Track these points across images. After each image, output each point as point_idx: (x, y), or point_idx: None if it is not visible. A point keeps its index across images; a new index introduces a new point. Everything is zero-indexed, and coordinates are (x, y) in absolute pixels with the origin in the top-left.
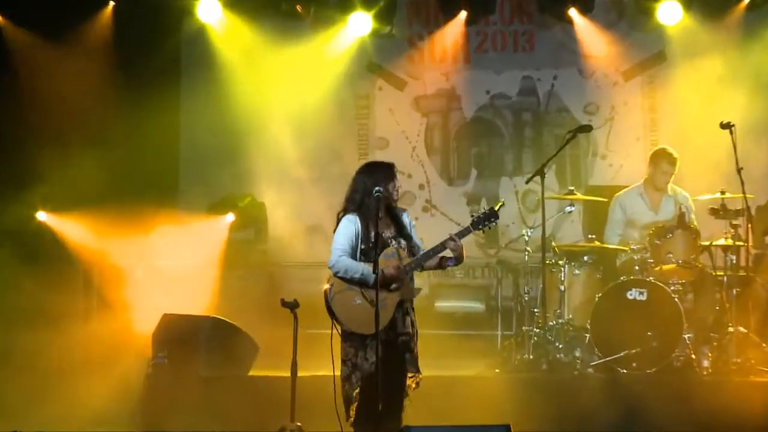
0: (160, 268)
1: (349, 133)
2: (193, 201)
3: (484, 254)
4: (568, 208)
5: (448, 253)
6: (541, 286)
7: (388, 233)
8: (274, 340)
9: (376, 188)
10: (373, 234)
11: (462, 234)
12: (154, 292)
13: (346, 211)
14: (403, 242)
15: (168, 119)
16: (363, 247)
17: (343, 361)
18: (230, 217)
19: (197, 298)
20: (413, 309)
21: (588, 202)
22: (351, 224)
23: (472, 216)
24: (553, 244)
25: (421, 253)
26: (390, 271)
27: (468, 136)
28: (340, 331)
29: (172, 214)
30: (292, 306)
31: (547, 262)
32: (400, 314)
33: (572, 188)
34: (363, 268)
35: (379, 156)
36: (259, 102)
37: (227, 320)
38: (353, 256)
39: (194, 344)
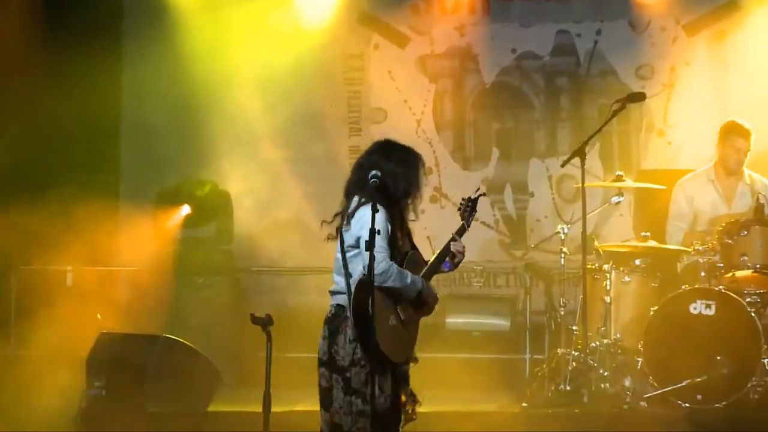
0: (96, 273)
1: (336, 102)
2: (139, 188)
3: (508, 257)
4: (616, 199)
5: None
6: (581, 297)
7: (403, 237)
8: (242, 366)
9: (373, 172)
10: (400, 238)
11: (460, 232)
12: (88, 303)
13: (371, 198)
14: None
15: (107, 85)
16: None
17: (356, 392)
18: (185, 210)
19: (143, 312)
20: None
21: (641, 190)
22: (387, 224)
23: (460, 206)
24: (597, 243)
25: (432, 260)
26: (433, 291)
27: (488, 106)
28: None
29: (112, 204)
30: (265, 323)
31: (589, 266)
32: None
33: (621, 173)
34: (411, 276)
35: (377, 131)
36: (221, 63)
37: (181, 341)
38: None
39: (139, 371)
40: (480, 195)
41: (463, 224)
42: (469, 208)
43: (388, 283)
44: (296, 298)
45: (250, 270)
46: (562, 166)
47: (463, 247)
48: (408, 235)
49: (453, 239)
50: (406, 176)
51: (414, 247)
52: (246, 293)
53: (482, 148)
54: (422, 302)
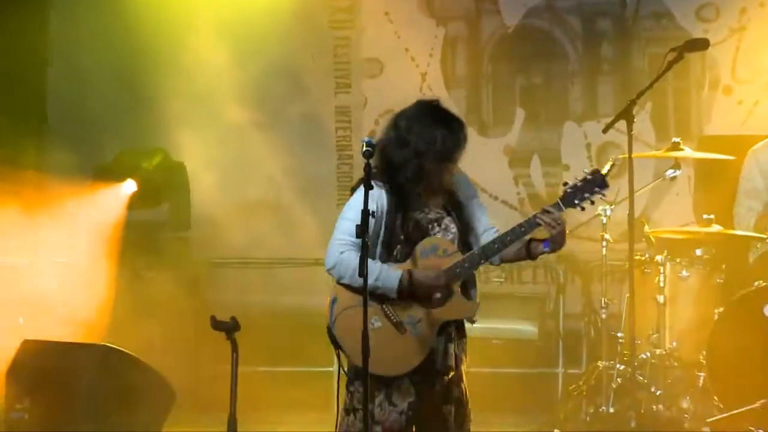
0: (17, 266)
1: (319, 52)
2: (70, 159)
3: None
4: (671, 173)
5: (537, 234)
6: (628, 296)
7: (430, 211)
8: (201, 382)
9: (366, 139)
10: (409, 219)
11: (555, 207)
12: (7, 304)
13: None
14: (452, 226)
15: (31, 30)
16: (385, 238)
17: (346, 411)
18: (130, 186)
19: (78, 315)
20: (462, 335)
21: (703, 162)
22: (367, 199)
23: (566, 186)
24: (647, 229)
25: (490, 241)
26: (422, 277)
27: (511, 56)
28: (345, 369)
29: (37, 179)
30: (230, 328)
31: (637, 257)
32: (441, 343)
33: (677, 140)
34: (380, 270)
35: (371, 87)
36: (176, 3)
37: (125, 351)
38: (371, 253)
39: (73, 388)
40: (612, 166)
41: (557, 202)
42: (583, 184)
43: (345, 281)
44: (270, 298)
45: (212, 262)
46: (605, 131)
47: (563, 222)
48: (452, 200)
49: (546, 211)
50: (413, 161)
51: (465, 218)
52: (206, 291)
53: (503, 110)
54: (419, 299)
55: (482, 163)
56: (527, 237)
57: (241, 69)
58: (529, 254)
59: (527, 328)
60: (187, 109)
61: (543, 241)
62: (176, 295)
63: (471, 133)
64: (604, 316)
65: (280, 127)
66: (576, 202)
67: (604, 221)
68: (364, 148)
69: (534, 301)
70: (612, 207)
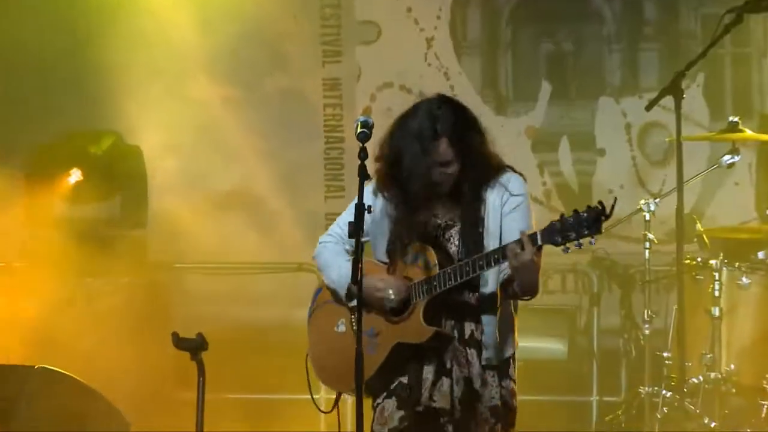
0: None
1: (304, 14)
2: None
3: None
4: (729, 159)
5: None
6: (676, 308)
7: (442, 216)
8: (161, 410)
9: (362, 119)
10: (417, 223)
11: (536, 239)
12: None
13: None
14: (456, 239)
15: None
16: (392, 245)
17: None
18: (74, 176)
19: (11, 330)
20: (464, 360)
21: (767, 146)
22: (362, 192)
23: (561, 219)
24: (699, 227)
25: (464, 262)
26: (375, 285)
27: (535, 18)
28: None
29: None
30: (195, 347)
31: (688, 261)
32: (430, 374)
33: (736, 120)
34: (340, 268)
35: (366, 55)
36: None
37: (69, 374)
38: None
39: (8, 417)
40: (614, 204)
41: (545, 229)
42: (578, 220)
43: (321, 273)
44: (244, 311)
45: (174, 267)
46: (648, 109)
47: (531, 262)
48: (468, 206)
49: (518, 242)
50: (407, 154)
51: (475, 227)
52: (167, 302)
53: (526, 82)
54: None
55: (500, 147)
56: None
57: (209, 34)
58: (504, 288)
59: (554, 347)
60: (143, 83)
61: (515, 281)
62: (130, 307)
63: (486, 112)
64: (647, 332)
65: (255, 104)
66: (557, 239)
67: (648, 218)
68: (359, 130)
69: (562, 314)
70: (657, 200)
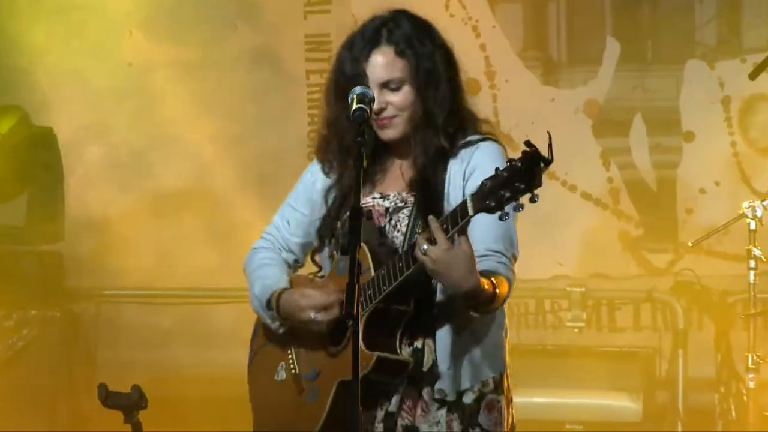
0: None
1: None
2: None
3: (638, 266)
4: None
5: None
6: None
7: (388, 196)
8: None
9: (358, 90)
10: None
11: (453, 221)
12: None
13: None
14: (404, 223)
15: None
16: (322, 236)
17: None
18: None
19: None
20: (416, 396)
21: None
22: (307, 178)
23: (494, 174)
24: None
25: (393, 260)
26: (297, 304)
27: None
28: None
29: None
30: (130, 404)
31: None
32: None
33: None
34: (266, 278)
35: (364, 3)
36: None
37: None
38: (295, 258)
39: None
40: (549, 144)
41: (463, 201)
42: (509, 174)
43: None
44: (196, 353)
45: (101, 295)
46: (753, 77)
47: (445, 249)
48: (424, 186)
49: (425, 238)
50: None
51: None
52: (92, 344)
53: (585, 40)
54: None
55: (549, 128)
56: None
57: None
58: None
59: (624, 405)
60: (57, 42)
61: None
62: (42, 350)
63: (531, 80)
64: (752, 383)
65: (214, 69)
66: (490, 203)
67: (753, 226)
68: (355, 105)
69: (635, 359)
70: (766, 203)
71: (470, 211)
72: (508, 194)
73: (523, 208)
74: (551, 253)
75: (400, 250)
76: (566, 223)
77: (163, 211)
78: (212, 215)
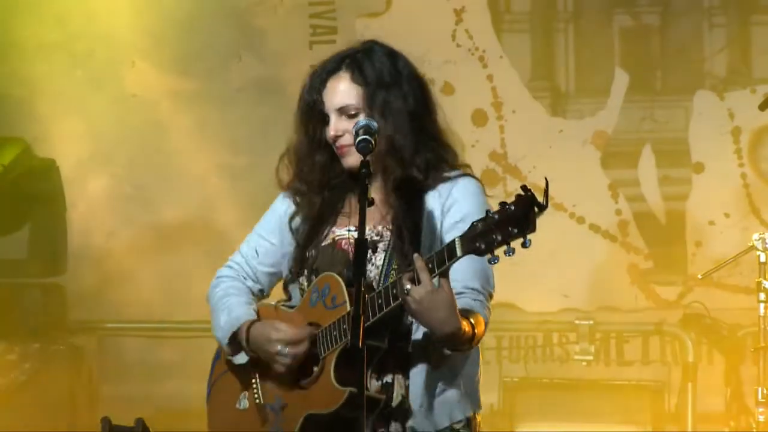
0: None
1: None
2: None
3: (647, 299)
4: None
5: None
6: None
7: (352, 230)
8: None
9: (362, 122)
10: (320, 237)
11: (439, 261)
12: None
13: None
14: (378, 258)
15: None
16: (294, 267)
17: None
18: None
19: None
20: None
21: None
22: (277, 207)
23: (485, 216)
24: None
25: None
26: (268, 336)
27: None
28: None
29: None
30: None
31: None
32: None
33: None
34: (233, 310)
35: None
36: None
37: None
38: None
39: None
40: (545, 190)
41: (451, 242)
42: (505, 215)
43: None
44: (199, 386)
45: (105, 329)
46: (762, 109)
47: (430, 291)
48: (397, 214)
49: (408, 277)
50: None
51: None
52: (94, 376)
53: (593, 70)
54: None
55: (556, 159)
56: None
57: (152, 4)
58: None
59: None
60: (61, 74)
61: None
62: (44, 383)
63: (539, 111)
64: (761, 417)
65: (217, 101)
66: (479, 245)
67: (763, 259)
68: (360, 137)
69: (644, 393)
70: None
71: (458, 253)
72: (499, 238)
73: (512, 253)
74: (559, 286)
75: (375, 285)
76: (574, 255)
77: (166, 244)
78: (215, 248)
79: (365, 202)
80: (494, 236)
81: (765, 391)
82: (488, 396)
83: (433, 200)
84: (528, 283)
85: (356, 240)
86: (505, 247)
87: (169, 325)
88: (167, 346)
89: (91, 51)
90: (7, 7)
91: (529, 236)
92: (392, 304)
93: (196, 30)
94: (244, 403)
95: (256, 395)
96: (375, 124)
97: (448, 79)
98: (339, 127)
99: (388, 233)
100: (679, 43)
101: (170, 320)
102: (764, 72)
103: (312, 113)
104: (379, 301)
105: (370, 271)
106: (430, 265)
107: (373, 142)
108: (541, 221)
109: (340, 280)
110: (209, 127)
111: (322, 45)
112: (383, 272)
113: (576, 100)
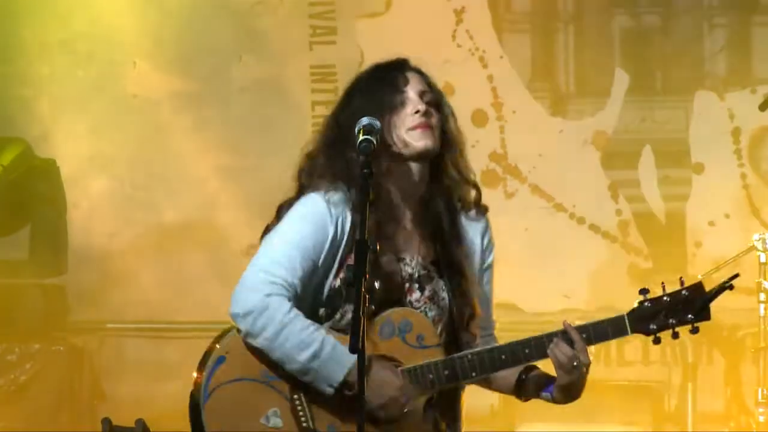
0: None
1: None
2: None
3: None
4: None
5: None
6: None
7: (411, 261)
8: None
9: (365, 120)
10: (376, 267)
11: (599, 333)
12: None
13: (305, 187)
14: (442, 296)
15: None
16: (335, 284)
17: None
18: None
19: None
20: None
21: None
22: (316, 219)
23: (644, 296)
24: None
25: (486, 349)
26: (380, 379)
27: None
28: None
29: None
30: None
31: None
32: None
33: None
34: (323, 344)
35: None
36: None
37: None
38: (305, 305)
39: None
40: (727, 286)
41: (621, 317)
42: (679, 306)
43: (260, 341)
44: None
45: (105, 329)
46: (762, 109)
47: (580, 361)
48: (447, 248)
49: (564, 335)
50: (362, 108)
51: (462, 283)
52: (95, 377)
53: (593, 72)
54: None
55: (556, 160)
56: (530, 365)
57: (153, 5)
58: (522, 394)
59: None
60: (62, 75)
61: (548, 384)
62: (45, 384)
63: (539, 111)
64: (762, 418)
65: (219, 101)
66: (652, 327)
67: (763, 259)
68: (361, 137)
69: (645, 393)
70: None
71: (628, 332)
72: (674, 322)
73: (677, 337)
74: (559, 287)
75: (438, 327)
76: (574, 256)
77: (166, 244)
78: (217, 248)
79: (366, 202)
80: (670, 320)
81: (765, 391)
82: (488, 396)
83: (471, 228)
84: (528, 284)
85: (356, 240)
86: (671, 330)
87: (169, 325)
88: (168, 347)
89: (93, 52)
90: (8, 8)
91: (699, 322)
92: (534, 360)
93: (196, 31)
94: (275, 421)
95: (303, 418)
96: (378, 123)
97: (448, 79)
98: (425, 108)
99: (433, 267)
100: (679, 43)
101: (171, 321)
102: (764, 72)
103: (391, 101)
104: (502, 358)
105: (433, 308)
106: (584, 335)
107: (374, 141)
108: (541, 221)
109: (426, 319)
110: (210, 128)
111: (322, 45)
112: (448, 311)
113: (576, 101)
